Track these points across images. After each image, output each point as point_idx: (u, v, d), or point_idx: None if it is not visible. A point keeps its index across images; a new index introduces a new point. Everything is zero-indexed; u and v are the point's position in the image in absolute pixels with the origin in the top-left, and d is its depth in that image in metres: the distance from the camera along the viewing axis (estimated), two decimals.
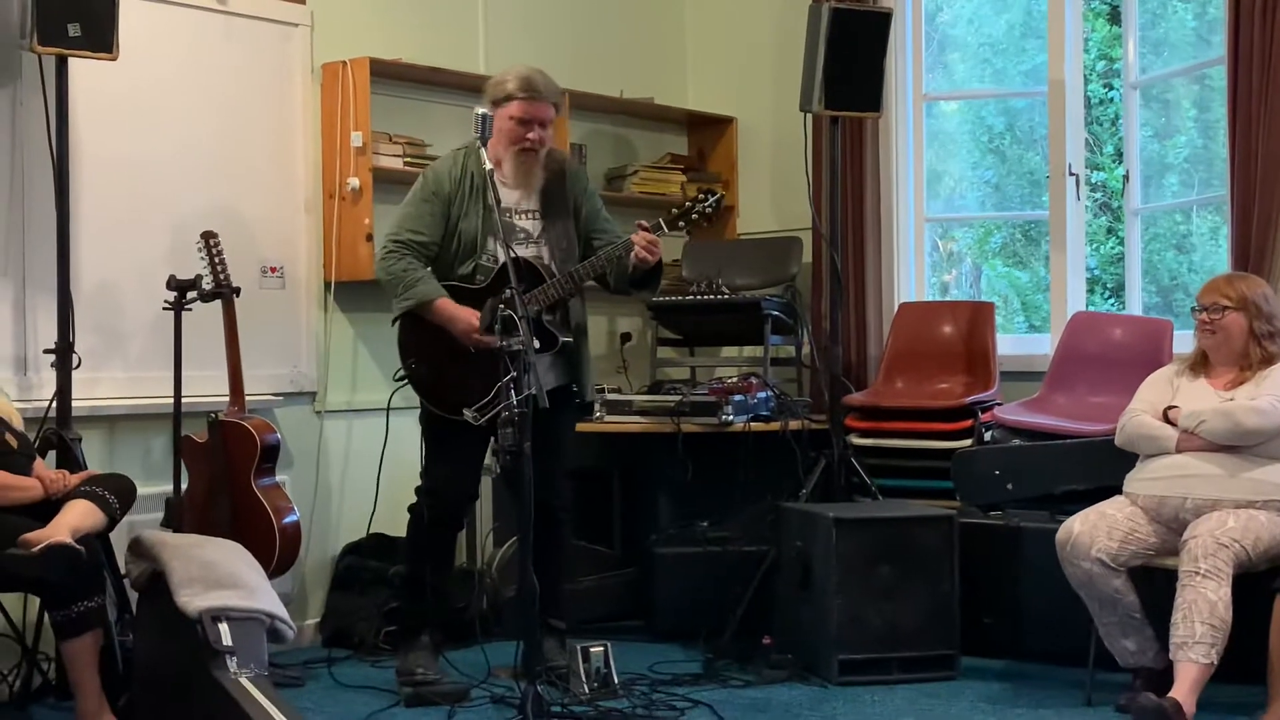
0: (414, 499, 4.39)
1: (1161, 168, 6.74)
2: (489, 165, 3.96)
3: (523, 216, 4.28)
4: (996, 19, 7.36)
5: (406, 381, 4.29)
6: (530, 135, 4.21)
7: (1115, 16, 7.36)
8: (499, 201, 4.03)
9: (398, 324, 4.26)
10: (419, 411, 4.35)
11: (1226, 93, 4.81)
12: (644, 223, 4.22)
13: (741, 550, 4.88)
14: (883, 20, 5.21)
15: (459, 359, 4.14)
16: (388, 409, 4.66)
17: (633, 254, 4.18)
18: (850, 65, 5.10)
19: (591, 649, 4.13)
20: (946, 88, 6.81)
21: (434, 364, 4.22)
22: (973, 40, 7.66)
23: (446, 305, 4.16)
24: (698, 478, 5.16)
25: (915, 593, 4.38)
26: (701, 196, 4.29)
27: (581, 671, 4.11)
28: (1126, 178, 5.54)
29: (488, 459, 4.37)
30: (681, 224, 4.29)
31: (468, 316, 4.08)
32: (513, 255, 3.91)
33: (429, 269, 4.23)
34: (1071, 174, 5.53)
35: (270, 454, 4.48)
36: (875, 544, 4.38)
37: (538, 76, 4.24)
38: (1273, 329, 4.02)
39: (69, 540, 3.54)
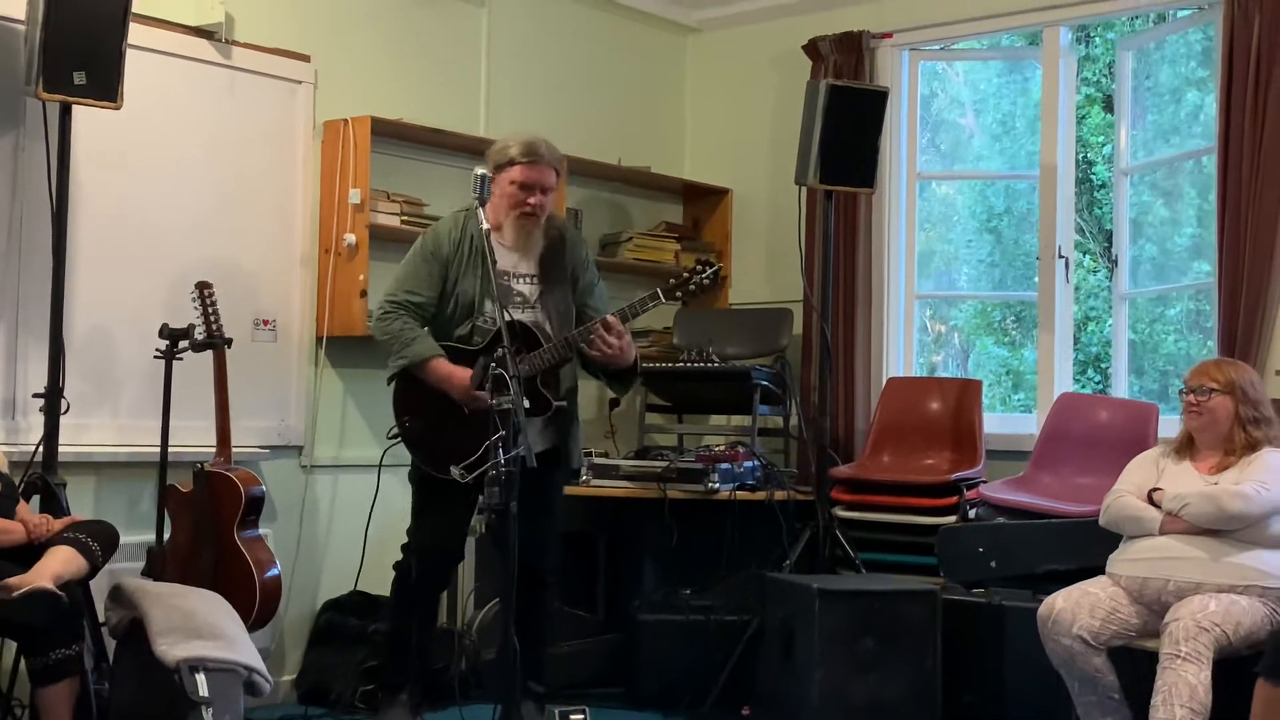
0: (398, 557, 4.39)
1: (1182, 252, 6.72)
2: (486, 225, 3.95)
3: (520, 280, 4.28)
4: (1014, 102, 7.41)
5: (399, 439, 4.29)
6: (531, 200, 4.22)
7: (1110, 104, 7.45)
8: (494, 263, 4.03)
9: (393, 383, 4.27)
10: (408, 470, 4.34)
11: (1216, 180, 4.88)
12: (611, 318, 4.16)
13: (724, 619, 4.87)
14: (879, 98, 5.27)
15: (453, 418, 4.14)
16: (380, 465, 4.47)
17: (593, 340, 4.13)
18: (846, 141, 5.15)
19: (571, 714, 4.09)
20: (951, 166, 6.89)
21: (428, 423, 4.22)
22: (987, 120, 7.70)
23: (441, 365, 4.16)
24: (683, 545, 5.15)
25: (897, 667, 4.36)
26: (699, 268, 4.27)
27: None
28: (1115, 263, 5.59)
29: (474, 519, 4.36)
30: (679, 294, 4.28)
31: (464, 375, 4.08)
32: (509, 319, 3.91)
33: (426, 329, 4.24)
34: (1061, 256, 5.58)
35: (254, 506, 4.47)
36: (858, 617, 4.36)
37: (540, 142, 4.26)
38: (1258, 415, 4.04)
39: (51, 586, 3.53)
